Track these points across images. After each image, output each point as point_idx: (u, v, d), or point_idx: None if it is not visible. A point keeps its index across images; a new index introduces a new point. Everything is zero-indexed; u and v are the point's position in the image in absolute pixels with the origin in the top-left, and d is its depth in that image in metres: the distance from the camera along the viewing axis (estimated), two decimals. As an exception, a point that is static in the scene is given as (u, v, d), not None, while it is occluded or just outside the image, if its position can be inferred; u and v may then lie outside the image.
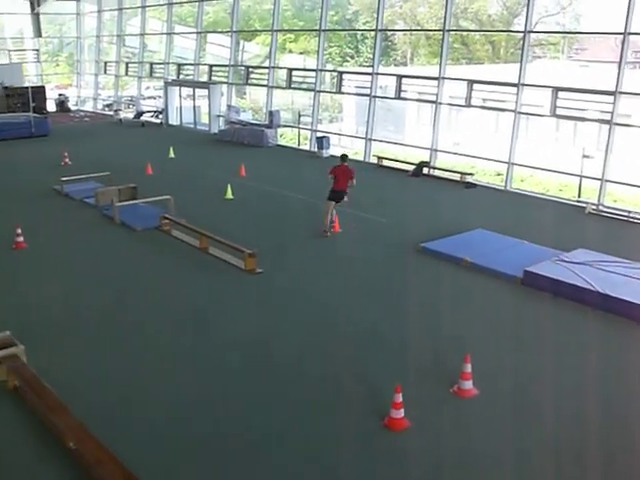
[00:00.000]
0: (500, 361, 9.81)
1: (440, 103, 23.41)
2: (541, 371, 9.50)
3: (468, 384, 8.80)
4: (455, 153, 24.47)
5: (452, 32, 25.01)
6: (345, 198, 15.82)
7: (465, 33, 34.89)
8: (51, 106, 41.31)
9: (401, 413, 8.00)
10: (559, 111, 20.11)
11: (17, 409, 8.44)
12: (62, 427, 7.66)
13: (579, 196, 19.94)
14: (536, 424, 8.18)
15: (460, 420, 8.30)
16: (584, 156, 20.14)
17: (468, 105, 22.74)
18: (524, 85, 20.82)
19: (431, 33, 33.34)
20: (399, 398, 7.98)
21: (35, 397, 8.32)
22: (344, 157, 16.05)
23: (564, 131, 28.83)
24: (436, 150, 23.52)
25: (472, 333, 10.71)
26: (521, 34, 21.58)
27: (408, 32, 38.11)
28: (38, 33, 43.19)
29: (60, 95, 42.96)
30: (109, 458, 7.04)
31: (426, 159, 23.39)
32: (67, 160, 24.33)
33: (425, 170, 22.75)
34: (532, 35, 21.89)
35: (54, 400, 8.15)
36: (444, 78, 23.22)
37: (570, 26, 31.39)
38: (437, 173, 22.73)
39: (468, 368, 8.76)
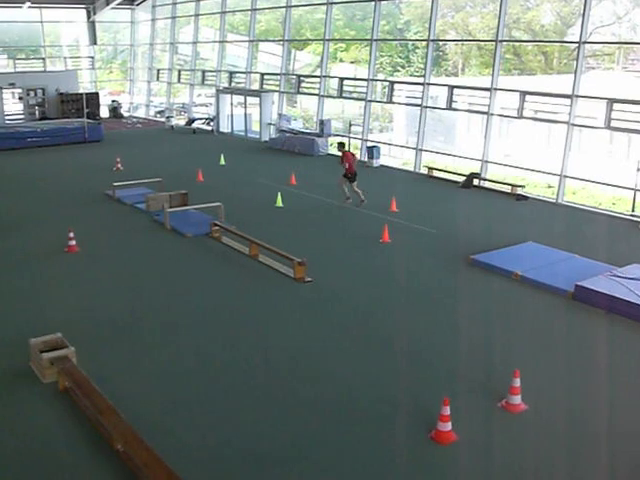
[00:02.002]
0: (550, 376, 9.65)
1: (492, 114, 23.22)
2: (592, 388, 9.31)
3: (517, 399, 8.67)
4: (506, 165, 24.19)
5: (504, 42, 24.77)
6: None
7: (517, 44, 34.51)
8: (104, 112, 42.06)
9: (448, 426, 7.92)
10: (614, 123, 19.77)
11: (68, 409, 8.58)
12: (110, 429, 7.75)
13: (633, 210, 19.49)
14: (587, 441, 8.02)
15: (508, 435, 8.18)
16: (639, 169, 19.70)
17: (520, 116, 22.49)
18: (578, 96, 20.52)
19: (483, 43, 33.02)
20: (447, 411, 7.90)
21: (84, 398, 8.43)
22: (344, 144, 19.85)
23: (618, 143, 28.31)
24: (487, 161, 23.30)
25: (522, 347, 10.58)
26: (575, 45, 21.30)
27: (460, 42, 37.80)
28: (93, 41, 43.95)
29: (113, 101, 43.65)
30: (156, 461, 7.09)
31: (476, 170, 23.20)
32: (119, 166, 24.70)
33: (475, 181, 22.56)
34: (586, 46, 21.56)
35: (103, 402, 8.24)
36: (496, 89, 23.02)
37: (626, 36, 30.80)
38: (487, 185, 22.50)
39: (517, 383, 8.63)
